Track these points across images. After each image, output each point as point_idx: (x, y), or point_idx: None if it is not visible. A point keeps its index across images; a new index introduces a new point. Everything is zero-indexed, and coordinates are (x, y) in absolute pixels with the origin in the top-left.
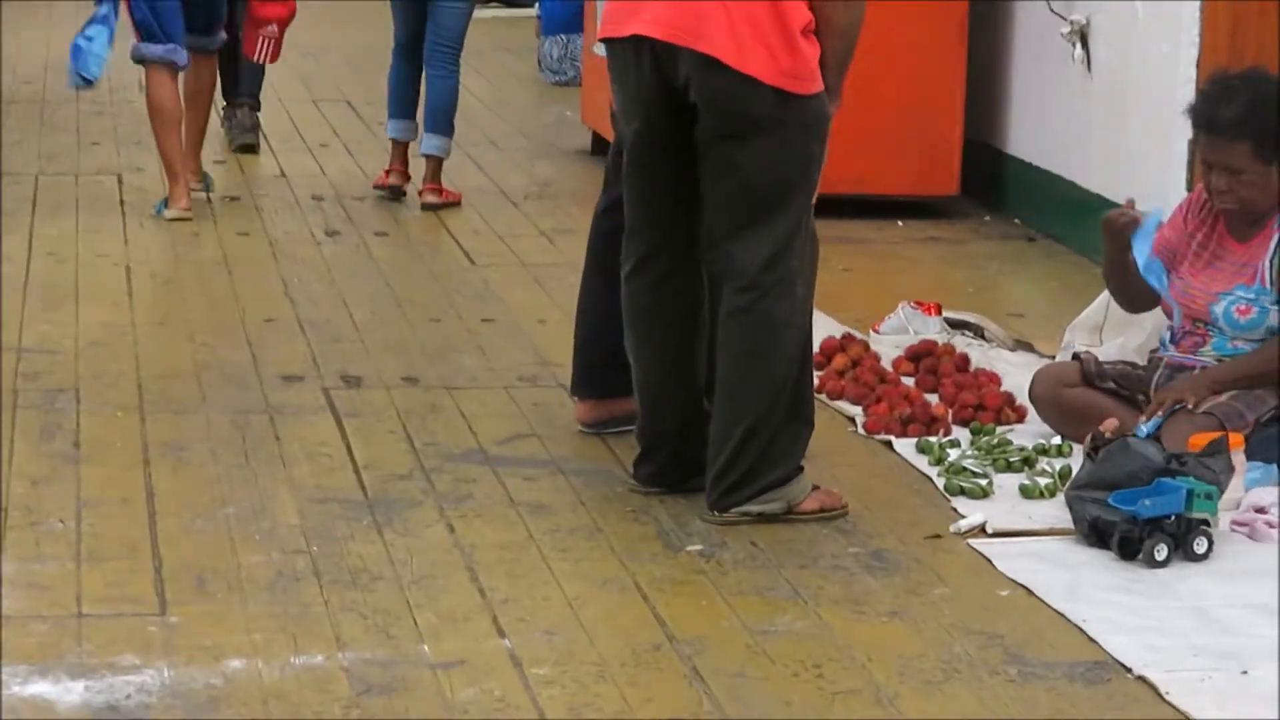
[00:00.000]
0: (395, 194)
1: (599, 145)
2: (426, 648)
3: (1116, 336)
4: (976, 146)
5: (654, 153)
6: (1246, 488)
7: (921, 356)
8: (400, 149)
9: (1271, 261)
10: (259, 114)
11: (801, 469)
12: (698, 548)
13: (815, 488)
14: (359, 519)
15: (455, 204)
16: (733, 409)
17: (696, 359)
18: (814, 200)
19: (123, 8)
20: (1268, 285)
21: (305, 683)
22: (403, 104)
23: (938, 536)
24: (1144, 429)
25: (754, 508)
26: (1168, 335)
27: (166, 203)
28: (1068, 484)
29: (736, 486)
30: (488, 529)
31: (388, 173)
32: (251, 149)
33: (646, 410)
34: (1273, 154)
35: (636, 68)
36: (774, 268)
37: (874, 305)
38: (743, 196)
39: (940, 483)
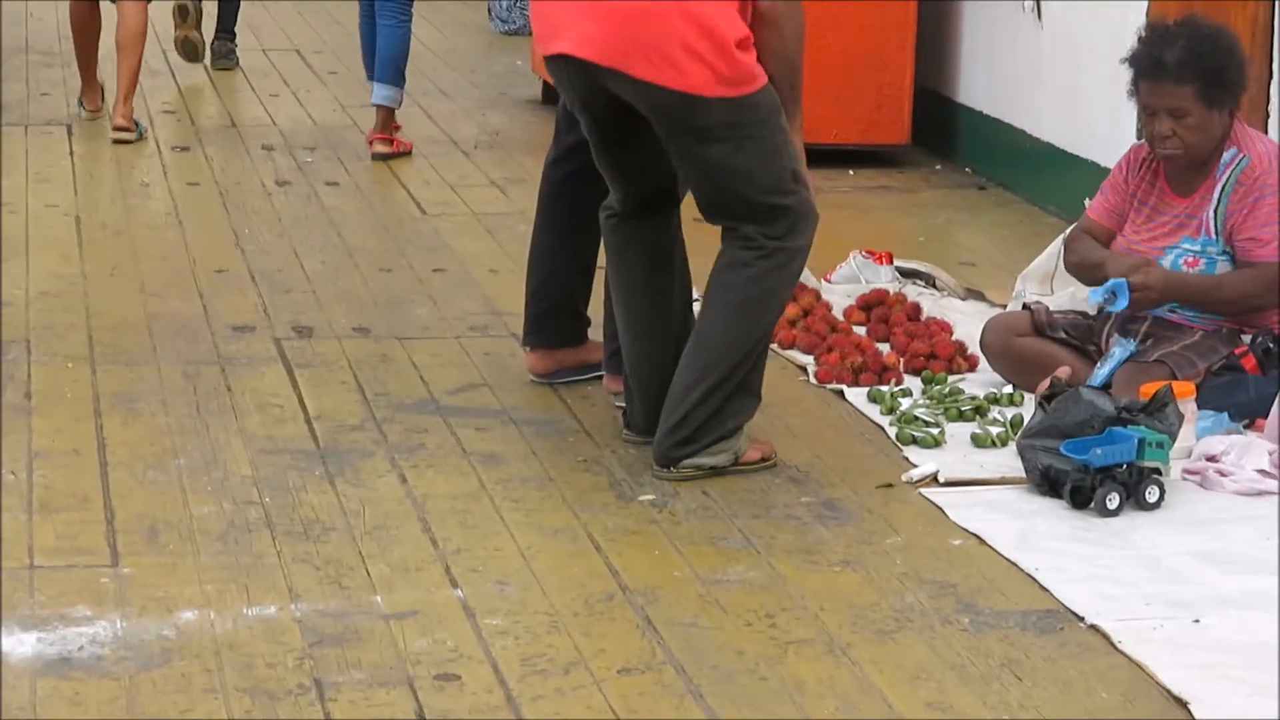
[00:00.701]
0: (385, 159)
1: (550, 94)
2: (379, 598)
3: (1067, 286)
4: (927, 95)
5: (608, 143)
6: (1198, 436)
7: (873, 306)
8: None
9: (1216, 212)
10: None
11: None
12: (650, 497)
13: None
14: (311, 470)
15: (406, 153)
16: (701, 361)
17: (667, 300)
18: (802, 167)
19: None
20: (1213, 236)
21: (258, 634)
22: (368, 55)
23: (890, 486)
24: (1098, 376)
25: (706, 460)
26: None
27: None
28: (1019, 433)
29: (689, 440)
30: (440, 479)
31: (372, 140)
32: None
33: (622, 346)
34: (1216, 95)
35: (570, 81)
36: (779, 235)
37: (825, 255)
38: (718, 192)
39: (892, 432)
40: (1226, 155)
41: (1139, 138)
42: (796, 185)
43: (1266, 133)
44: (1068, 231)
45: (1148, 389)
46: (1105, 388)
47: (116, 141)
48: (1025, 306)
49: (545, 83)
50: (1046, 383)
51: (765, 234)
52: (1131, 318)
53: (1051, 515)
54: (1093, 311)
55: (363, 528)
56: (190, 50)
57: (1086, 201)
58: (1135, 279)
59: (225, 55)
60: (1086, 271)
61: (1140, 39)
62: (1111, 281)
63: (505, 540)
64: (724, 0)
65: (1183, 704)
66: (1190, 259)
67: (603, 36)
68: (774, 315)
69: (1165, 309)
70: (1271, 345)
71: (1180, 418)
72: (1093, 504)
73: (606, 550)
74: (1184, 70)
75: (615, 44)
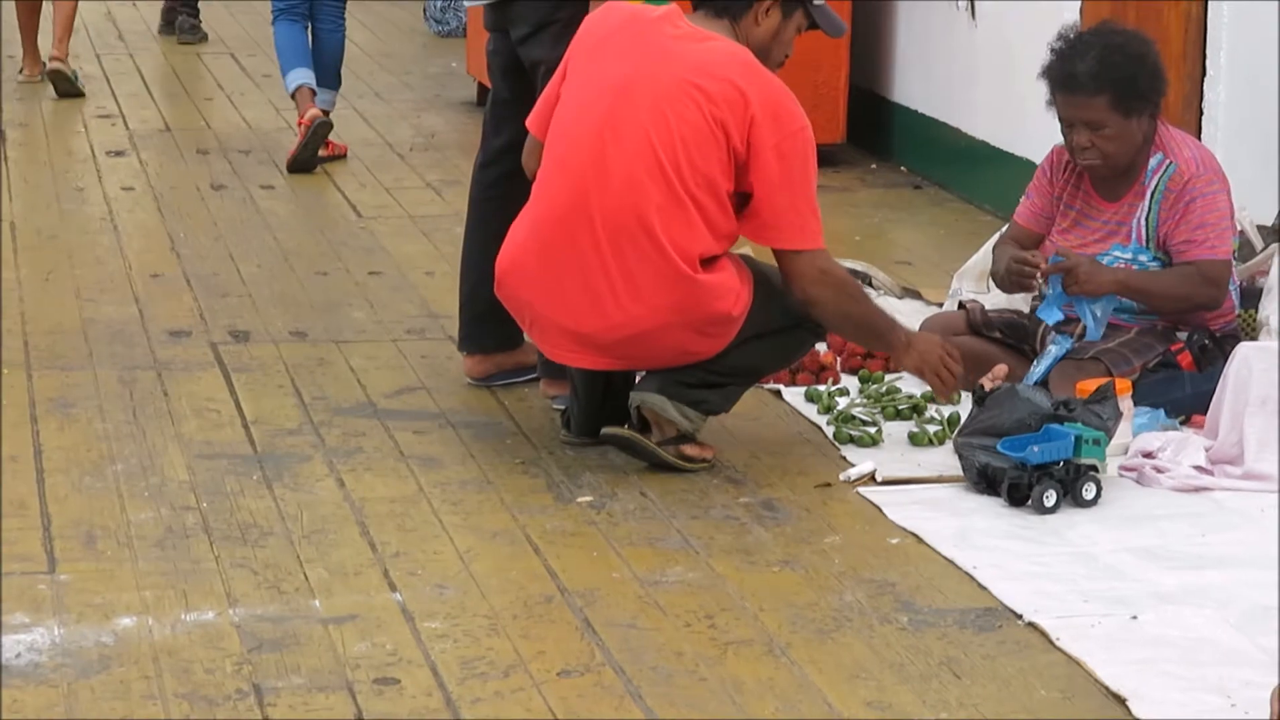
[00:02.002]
0: (326, 128)
1: (485, 96)
2: (318, 603)
3: None
4: (862, 94)
5: None
6: (1134, 433)
7: None
8: (306, 94)
9: (1148, 220)
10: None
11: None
12: (588, 499)
13: None
14: (248, 474)
15: (341, 156)
16: (749, 349)
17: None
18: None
19: None
20: (1145, 243)
21: (196, 639)
22: (301, 53)
23: (828, 485)
24: (1035, 374)
25: (674, 413)
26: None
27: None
28: (956, 431)
29: (683, 387)
30: (378, 483)
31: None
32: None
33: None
34: (1131, 104)
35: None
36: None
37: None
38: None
39: (829, 431)
40: (1153, 161)
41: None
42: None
43: (1200, 129)
44: (1002, 234)
45: (1084, 386)
46: (1042, 385)
47: (53, 73)
48: (961, 305)
49: (480, 84)
50: (987, 379)
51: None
52: (1066, 319)
53: (989, 513)
54: (1027, 309)
55: (301, 532)
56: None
57: (1023, 196)
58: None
59: (190, 30)
60: (1004, 279)
61: (1052, 50)
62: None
63: (444, 543)
64: (706, 238)
65: (1120, 700)
66: (1121, 265)
67: (605, 362)
68: (806, 346)
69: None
70: (1208, 342)
71: (1118, 415)
72: (1030, 501)
73: (545, 552)
74: (1096, 82)
75: (618, 364)
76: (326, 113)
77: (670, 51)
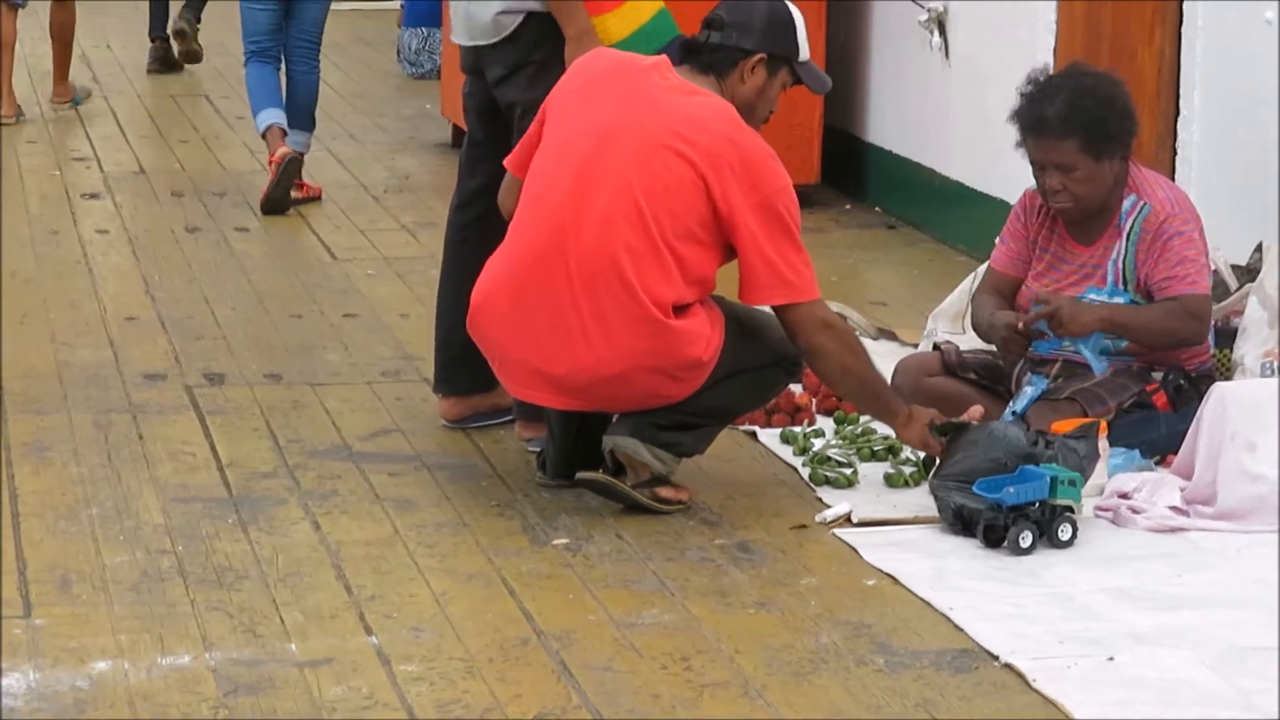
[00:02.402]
0: (296, 164)
1: (460, 138)
2: (293, 646)
3: None
4: (836, 134)
5: None
6: (1110, 473)
7: None
8: (277, 133)
9: (1124, 262)
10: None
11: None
12: (564, 541)
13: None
14: (224, 517)
15: (316, 198)
16: (722, 389)
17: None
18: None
19: None
20: (1122, 285)
21: (172, 683)
22: (272, 94)
23: (803, 527)
24: (1014, 409)
25: (647, 455)
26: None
27: None
28: (932, 473)
29: (656, 429)
30: (353, 525)
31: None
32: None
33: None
34: (1102, 147)
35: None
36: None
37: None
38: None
39: (805, 473)
40: (1126, 203)
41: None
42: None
43: (1174, 169)
44: (977, 274)
45: (1060, 426)
46: (1019, 420)
47: (57, 102)
48: (936, 347)
49: (455, 126)
50: (967, 415)
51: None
52: (1041, 360)
53: (965, 554)
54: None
55: (276, 575)
56: (193, 58)
57: (997, 241)
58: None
59: (158, 59)
60: (987, 335)
61: (1022, 94)
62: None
63: (419, 586)
64: (677, 283)
65: None
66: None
67: (573, 403)
68: (779, 386)
69: (1069, 349)
70: (1183, 382)
71: (1096, 454)
72: (1006, 542)
73: (521, 595)
74: (1066, 125)
75: (587, 406)
76: (301, 154)
77: (658, 102)
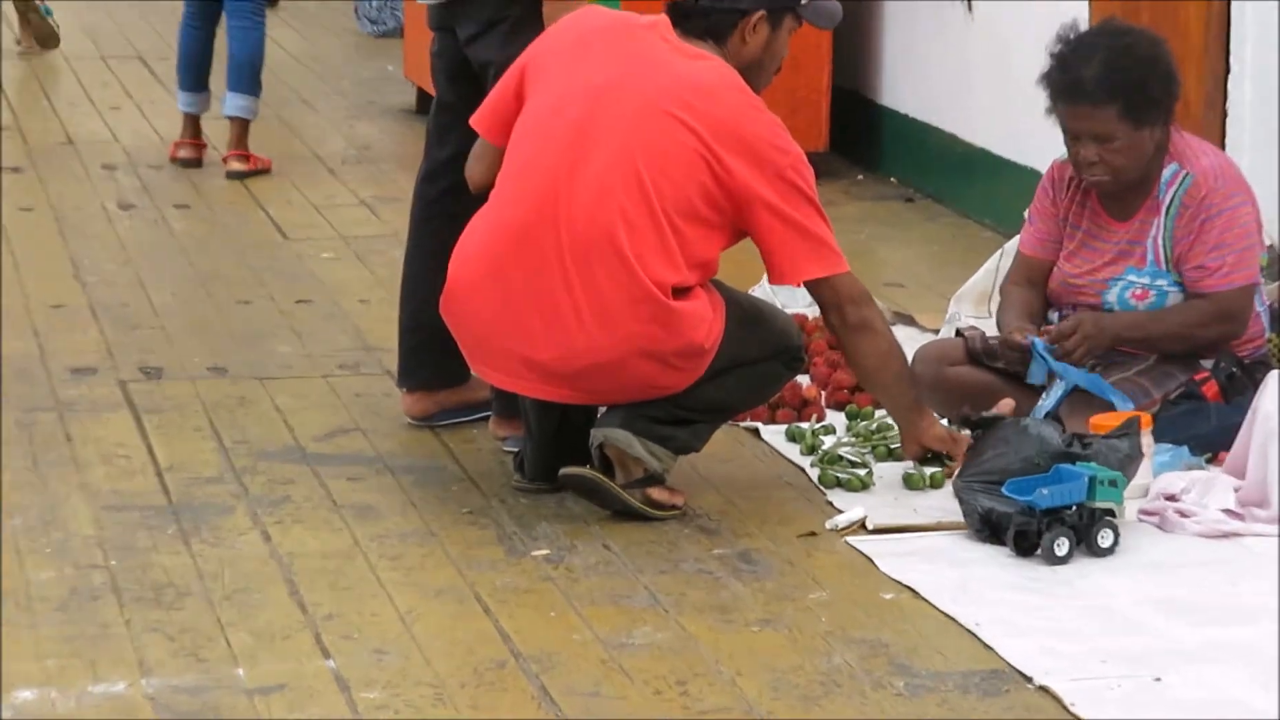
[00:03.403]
0: (188, 165)
1: (426, 103)
2: (241, 671)
3: None
4: (847, 97)
5: None
6: (1155, 473)
7: None
8: (191, 121)
9: (1164, 240)
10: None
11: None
12: (544, 552)
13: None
14: (163, 528)
15: (265, 171)
16: (721, 383)
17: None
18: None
19: None
20: (1163, 266)
21: (105, 713)
22: (195, 71)
23: (812, 535)
24: (1043, 409)
25: (641, 451)
26: (1056, 318)
27: None
28: (957, 472)
29: (651, 423)
30: (308, 536)
31: (177, 145)
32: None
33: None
34: (1143, 113)
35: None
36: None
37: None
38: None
39: (814, 474)
40: (1167, 172)
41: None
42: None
43: (1224, 132)
44: (1005, 250)
45: (1099, 422)
46: (1053, 418)
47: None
48: (959, 333)
49: (419, 90)
50: (997, 408)
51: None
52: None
53: (993, 563)
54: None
55: (222, 592)
56: (49, 39)
57: (1026, 214)
58: (1062, 344)
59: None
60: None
61: (1052, 55)
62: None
63: (382, 603)
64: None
65: None
66: (1138, 291)
67: (561, 393)
68: (778, 384)
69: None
70: (1235, 370)
71: (1139, 452)
72: (1039, 550)
73: (496, 612)
74: (1104, 90)
75: (576, 397)
76: (246, 120)
77: (660, 63)
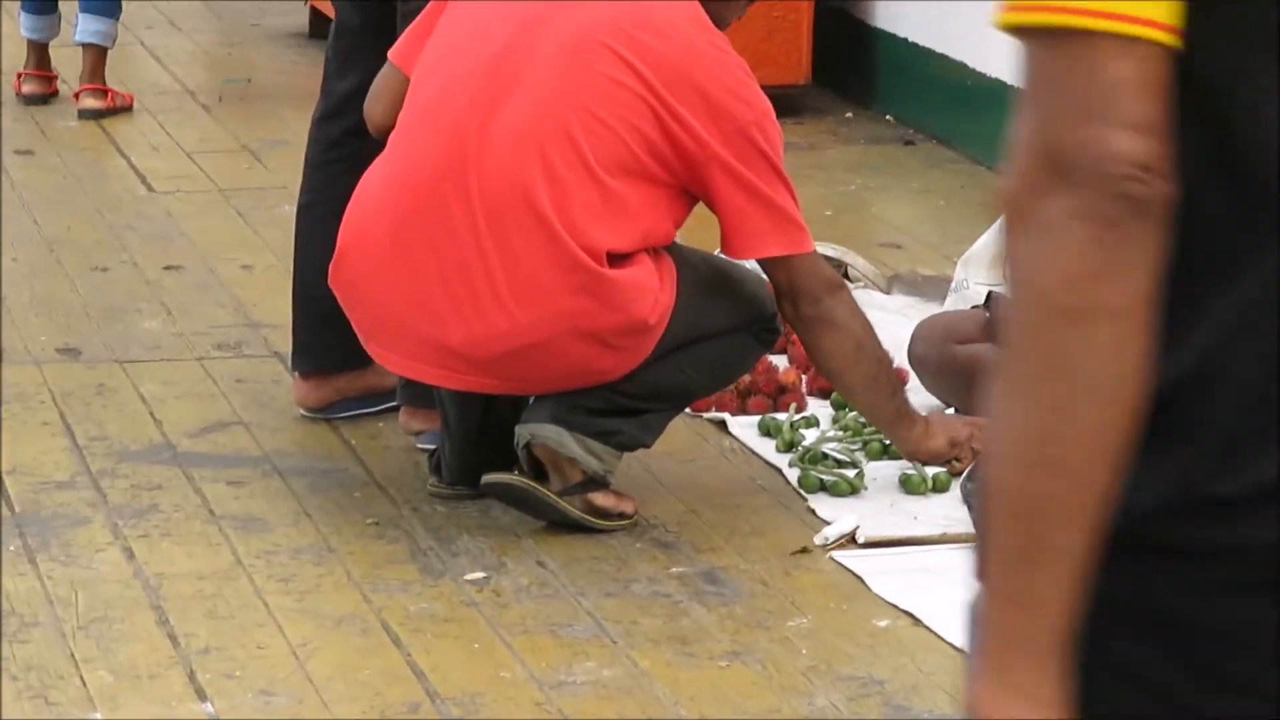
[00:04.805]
0: (32, 102)
1: (321, 26)
2: (99, 717)
3: None
4: (833, 17)
5: None
6: None
7: None
8: (38, 49)
9: None
10: None
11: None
12: (472, 576)
13: None
14: (4, 543)
15: (125, 109)
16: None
17: None
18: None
19: None
20: None
21: None
22: None
23: (801, 551)
24: None
25: (576, 449)
26: None
27: None
28: (965, 472)
29: (587, 414)
30: (179, 553)
31: (20, 78)
32: None
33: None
34: None
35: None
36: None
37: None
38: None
39: (793, 475)
40: None
41: None
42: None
43: None
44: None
45: None
46: None
47: None
48: (988, 298)
49: (314, 9)
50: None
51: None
52: None
53: None
54: None
55: (76, 621)
56: None
57: None
58: None
59: None
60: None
61: None
62: None
63: (270, 634)
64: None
65: None
66: None
67: (479, 382)
68: (749, 364)
69: None
70: None
71: None
72: None
73: (409, 645)
74: None
75: (497, 386)
76: (103, 48)
77: None
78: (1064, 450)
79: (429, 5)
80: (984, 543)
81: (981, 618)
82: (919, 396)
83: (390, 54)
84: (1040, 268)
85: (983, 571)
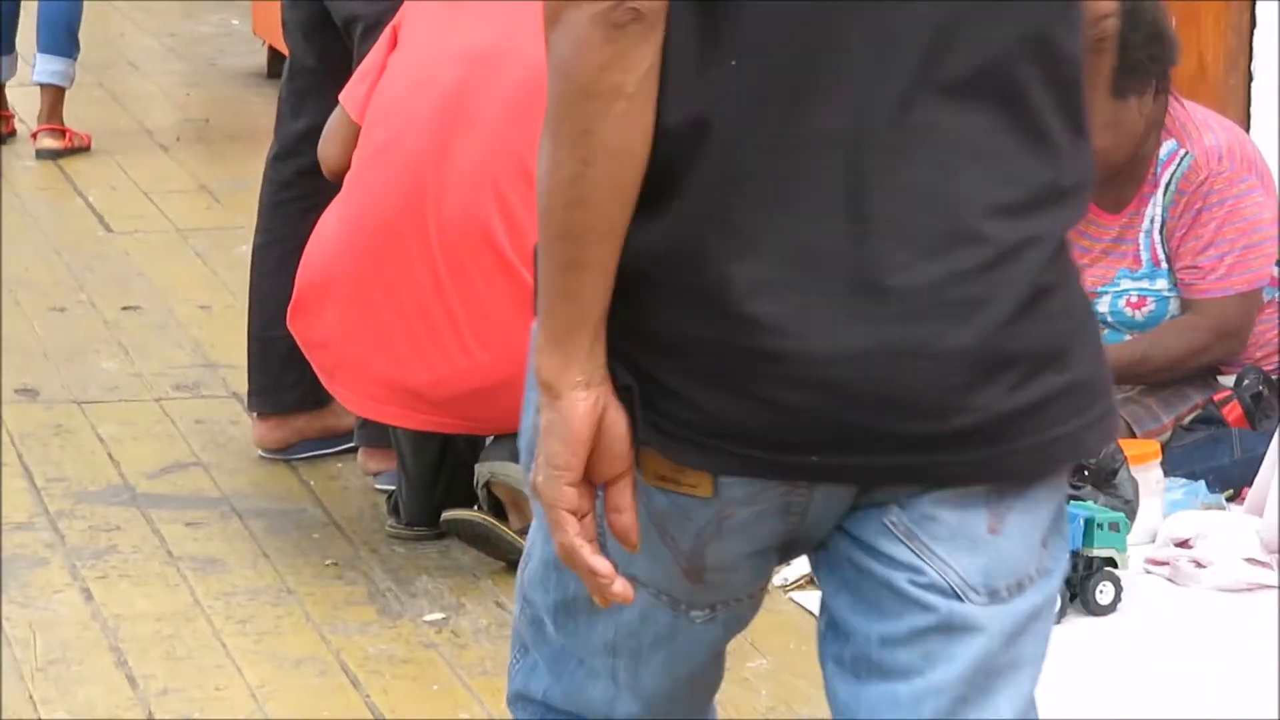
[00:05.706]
0: None
1: (278, 65)
2: None
3: None
4: None
5: None
6: (1166, 513)
7: None
8: None
9: (1159, 233)
10: None
11: None
12: (431, 617)
13: None
14: None
15: (83, 149)
16: None
17: None
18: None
19: None
20: (1161, 264)
21: None
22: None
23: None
24: None
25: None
26: None
27: None
28: None
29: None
30: (138, 594)
31: None
32: None
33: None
34: (1122, 81)
35: None
36: None
37: None
38: None
39: None
40: (1163, 151)
41: None
42: None
43: (1248, 100)
44: None
45: None
46: None
47: None
48: None
49: (272, 49)
50: None
51: None
52: None
53: None
54: None
55: (34, 663)
56: None
57: None
58: None
59: None
60: None
61: None
62: None
63: (229, 676)
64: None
65: None
66: (1133, 299)
67: (439, 421)
68: None
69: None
70: (1262, 389)
71: (1137, 489)
72: None
73: (367, 686)
74: None
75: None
76: (61, 88)
77: None
78: (589, 191)
79: (377, 44)
80: (541, 264)
81: (541, 311)
82: None
83: (341, 96)
84: (570, 58)
85: (541, 285)
